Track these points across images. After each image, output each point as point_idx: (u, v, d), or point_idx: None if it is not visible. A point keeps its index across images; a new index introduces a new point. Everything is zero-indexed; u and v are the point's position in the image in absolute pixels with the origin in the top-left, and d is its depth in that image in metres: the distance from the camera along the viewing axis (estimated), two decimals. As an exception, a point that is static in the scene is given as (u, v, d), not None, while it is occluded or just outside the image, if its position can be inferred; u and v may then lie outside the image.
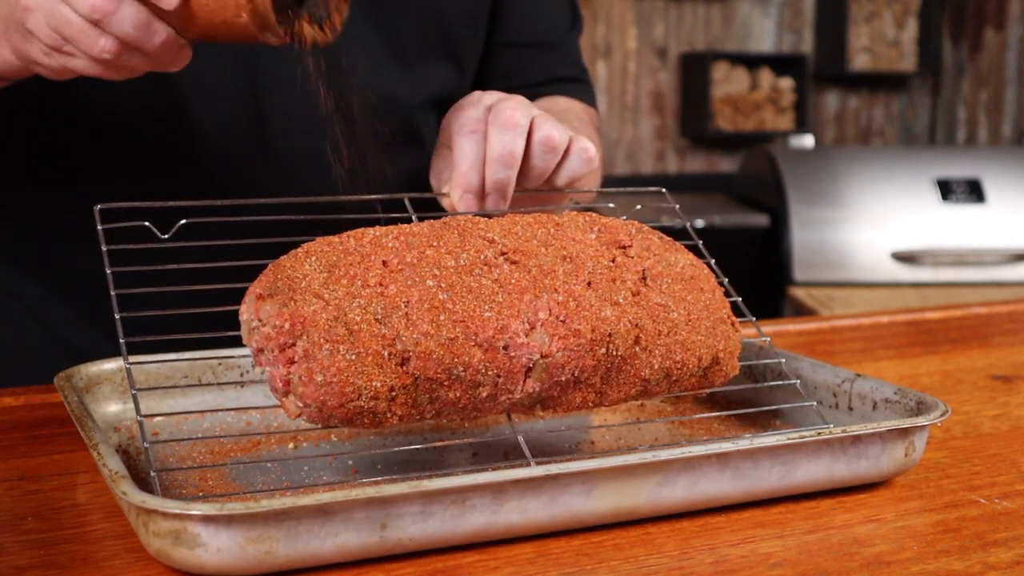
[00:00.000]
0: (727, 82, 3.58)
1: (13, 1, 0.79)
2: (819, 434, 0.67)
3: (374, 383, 0.63)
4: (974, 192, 3.03)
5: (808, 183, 3.04)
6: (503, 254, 0.69)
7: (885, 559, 0.62)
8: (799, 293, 2.86)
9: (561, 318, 0.67)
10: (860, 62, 3.73)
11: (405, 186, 1.13)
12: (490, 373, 0.65)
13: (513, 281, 0.67)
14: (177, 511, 0.55)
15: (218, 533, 0.55)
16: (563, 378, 0.68)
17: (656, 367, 0.71)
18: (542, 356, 0.66)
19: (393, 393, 0.64)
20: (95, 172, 1.06)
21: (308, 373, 0.62)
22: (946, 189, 3.03)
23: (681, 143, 3.69)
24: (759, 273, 3.11)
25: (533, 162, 0.87)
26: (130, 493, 0.57)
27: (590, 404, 0.71)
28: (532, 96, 1.23)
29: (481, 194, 0.88)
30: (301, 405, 0.63)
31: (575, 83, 1.26)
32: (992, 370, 1.03)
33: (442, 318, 0.64)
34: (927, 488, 0.72)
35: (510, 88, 1.22)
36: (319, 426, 0.67)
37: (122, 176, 1.06)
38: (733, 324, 0.76)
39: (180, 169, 1.06)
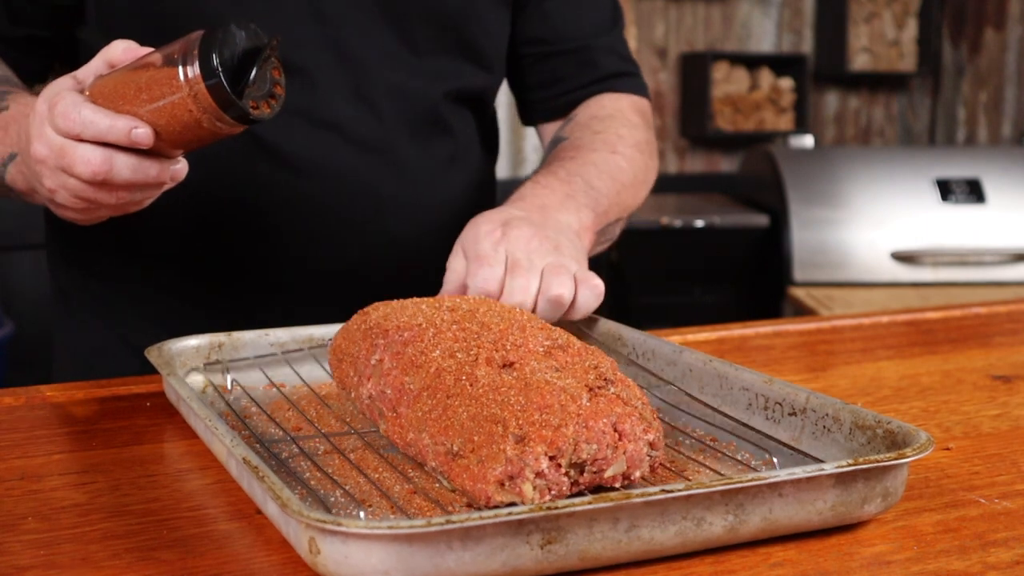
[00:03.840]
0: (727, 82, 3.58)
1: (30, 171, 0.89)
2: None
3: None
4: (974, 192, 3.03)
5: (808, 183, 3.04)
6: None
7: (885, 559, 0.62)
8: (799, 293, 2.86)
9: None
10: (860, 62, 3.73)
11: (438, 171, 1.16)
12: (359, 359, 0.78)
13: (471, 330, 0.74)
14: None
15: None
16: (388, 392, 0.74)
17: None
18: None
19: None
20: (164, 194, 1.10)
21: None
22: (946, 189, 3.03)
23: (681, 143, 3.69)
24: (759, 273, 3.11)
25: (540, 314, 0.91)
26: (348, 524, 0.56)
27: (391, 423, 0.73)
28: (578, 99, 1.26)
29: None
30: None
31: (622, 77, 1.27)
32: (992, 370, 1.03)
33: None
34: (927, 488, 0.72)
35: (558, 94, 1.27)
36: None
37: (190, 191, 1.09)
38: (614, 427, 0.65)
39: (243, 182, 1.11)
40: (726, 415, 0.80)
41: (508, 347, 0.71)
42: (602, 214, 1.09)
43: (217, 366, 0.91)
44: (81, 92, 0.84)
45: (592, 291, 0.92)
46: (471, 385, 0.67)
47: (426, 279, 1.18)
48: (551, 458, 0.61)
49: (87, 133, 0.81)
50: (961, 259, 2.97)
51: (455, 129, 1.19)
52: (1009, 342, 1.18)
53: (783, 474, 0.61)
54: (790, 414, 0.76)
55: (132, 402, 0.90)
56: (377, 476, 0.71)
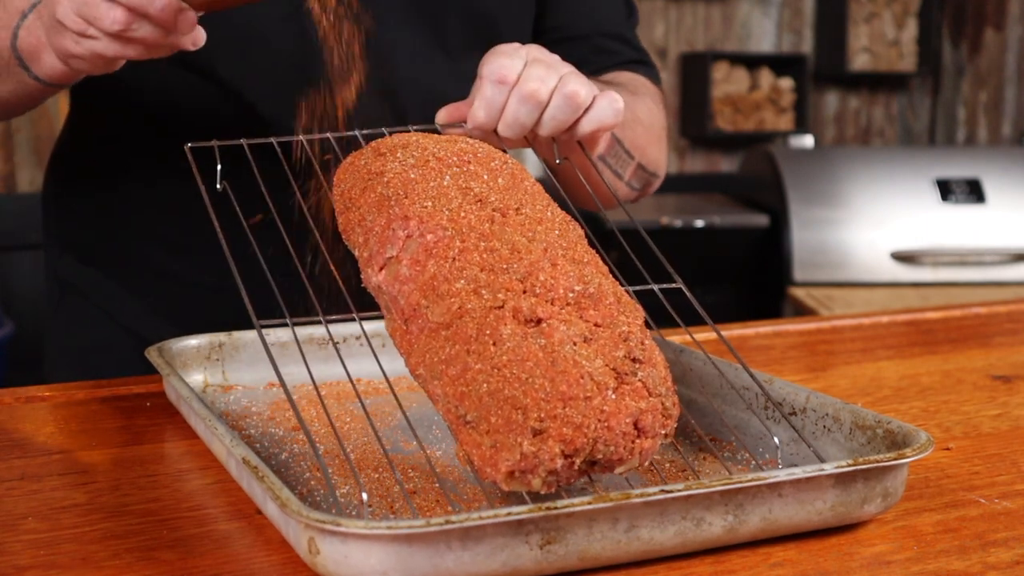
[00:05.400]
0: (727, 82, 3.58)
1: (49, 1, 0.86)
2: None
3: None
4: (974, 192, 3.03)
5: (808, 183, 3.04)
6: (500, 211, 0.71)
7: (885, 559, 0.62)
8: (799, 293, 2.86)
9: (442, 256, 0.67)
10: (860, 62, 3.72)
11: None
12: (374, 233, 0.72)
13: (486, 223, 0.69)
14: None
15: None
16: (400, 300, 0.68)
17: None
18: (395, 257, 0.70)
19: None
20: (161, 174, 1.11)
21: None
22: (946, 189, 3.03)
23: (681, 143, 3.69)
24: (759, 273, 3.11)
25: (553, 112, 0.87)
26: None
27: (399, 338, 0.69)
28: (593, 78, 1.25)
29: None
30: None
31: (638, 65, 1.27)
32: (992, 370, 1.03)
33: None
34: (927, 488, 0.72)
35: None
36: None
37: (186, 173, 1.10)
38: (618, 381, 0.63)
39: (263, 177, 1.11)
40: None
41: (537, 290, 0.65)
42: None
43: (218, 365, 0.91)
44: None
45: (611, 103, 0.88)
46: (494, 345, 0.62)
47: None
48: (566, 456, 0.59)
49: None
50: (961, 259, 2.97)
51: None
52: (1009, 342, 1.18)
53: (782, 474, 0.61)
54: (790, 414, 0.76)
55: (132, 402, 0.90)
56: (377, 476, 0.71)
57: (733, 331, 1.17)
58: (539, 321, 0.64)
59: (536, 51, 0.90)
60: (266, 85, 1.09)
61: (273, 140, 0.90)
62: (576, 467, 0.60)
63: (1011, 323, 1.26)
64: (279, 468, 0.72)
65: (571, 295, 0.66)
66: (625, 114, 1.08)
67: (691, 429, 0.80)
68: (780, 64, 3.66)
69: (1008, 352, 1.11)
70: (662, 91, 1.31)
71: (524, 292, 0.65)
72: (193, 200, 1.11)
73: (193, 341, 0.91)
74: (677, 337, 1.12)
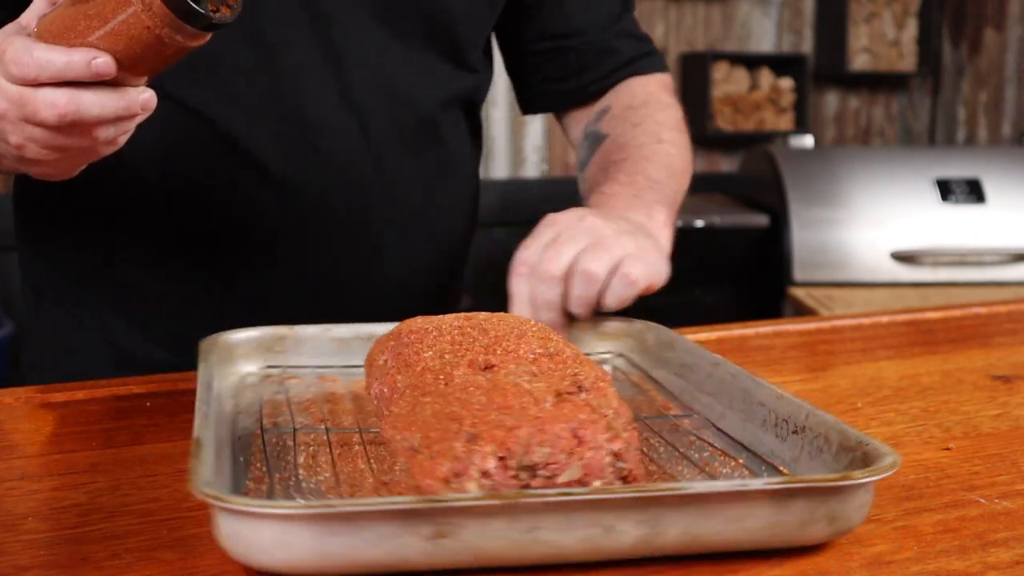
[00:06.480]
0: (727, 82, 3.58)
1: None
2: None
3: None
4: (974, 192, 3.03)
5: (808, 183, 3.04)
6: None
7: (885, 559, 0.62)
8: (799, 293, 2.86)
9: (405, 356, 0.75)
10: (860, 62, 3.72)
11: (427, 186, 1.15)
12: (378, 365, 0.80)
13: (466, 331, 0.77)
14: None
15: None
16: (385, 390, 0.75)
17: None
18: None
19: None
20: (127, 185, 1.09)
21: None
22: (946, 189, 3.03)
23: (681, 143, 3.69)
24: (759, 273, 3.11)
25: (575, 292, 0.91)
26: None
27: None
28: (605, 87, 1.27)
29: None
30: None
31: (643, 59, 1.28)
32: (992, 370, 1.03)
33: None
34: (927, 488, 0.72)
35: (579, 87, 1.27)
36: None
37: (169, 195, 1.09)
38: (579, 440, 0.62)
39: (224, 188, 1.09)
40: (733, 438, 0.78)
41: (498, 352, 0.72)
42: (670, 205, 1.11)
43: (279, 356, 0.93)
44: (28, 35, 0.78)
45: (622, 280, 0.91)
46: (445, 384, 0.68)
47: (418, 290, 1.17)
48: (500, 458, 0.59)
49: (44, 75, 0.76)
50: (961, 259, 2.97)
51: (447, 136, 1.17)
52: (1009, 342, 1.18)
53: (700, 486, 0.58)
54: (793, 432, 0.73)
55: (132, 402, 0.90)
56: (363, 467, 0.71)
57: (733, 331, 1.17)
58: (492, 367, 0.70)
59: (562, 223, 0.94)
60: (220, 94, 1.06)
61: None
62: (512, 472, 0.59)
63: (1011, 323, 1.26)
64: (279, 455, 0.73)
65: (531, 356, 0.72)
66: (670, 176, 1.11)
67: (704, 444, 0.78)
68: (780, 64, 3.66)
69: (1008, 352, 1.11)
70: (668, 71, 1.32)
71: (484, 353, 0.72)
72: (159, 213, 1.09)
73: (254, 333, 0.93)
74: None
